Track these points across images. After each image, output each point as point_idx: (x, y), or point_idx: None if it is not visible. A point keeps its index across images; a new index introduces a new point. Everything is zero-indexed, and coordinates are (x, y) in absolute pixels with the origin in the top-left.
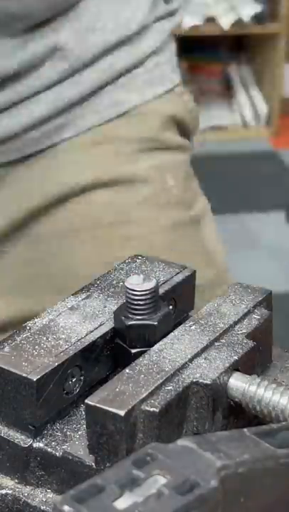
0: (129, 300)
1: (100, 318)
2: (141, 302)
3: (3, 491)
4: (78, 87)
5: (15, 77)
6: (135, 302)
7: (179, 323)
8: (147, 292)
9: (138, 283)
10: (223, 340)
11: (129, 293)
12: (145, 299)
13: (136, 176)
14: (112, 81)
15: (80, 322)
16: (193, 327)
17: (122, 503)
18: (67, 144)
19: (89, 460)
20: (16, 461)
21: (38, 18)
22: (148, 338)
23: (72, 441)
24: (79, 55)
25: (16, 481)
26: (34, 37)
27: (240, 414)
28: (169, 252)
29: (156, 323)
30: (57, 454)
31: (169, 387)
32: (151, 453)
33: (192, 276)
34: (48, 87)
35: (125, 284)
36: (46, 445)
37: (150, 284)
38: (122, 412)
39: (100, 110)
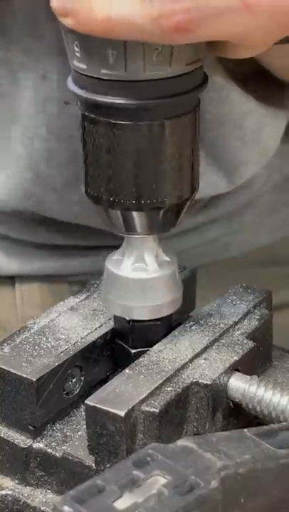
0: None
1: (100, 319)
2: None
3: (3, 492)
4: (256, 210)
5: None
6: None
7: (180, 324)
8: None
9: None
10: (223, 341)
11: None
12: None
13: None
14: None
15: (80, 322)
16: (193, 327)
17: (122, 503)
18: (231, 262)
19: (89, 461)
20: (15, 461)
21: None
22: (150, 337)
23: (72, 441)
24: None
25: (16, 481)
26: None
27: (241, 415)
28: None
29: (158, 322)
30: (57, 454)
31: (169, 388)
32: (151, 453)
33: (192, 277)
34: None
35: None
36: (46, 446)
37: None
38: (122, 413)
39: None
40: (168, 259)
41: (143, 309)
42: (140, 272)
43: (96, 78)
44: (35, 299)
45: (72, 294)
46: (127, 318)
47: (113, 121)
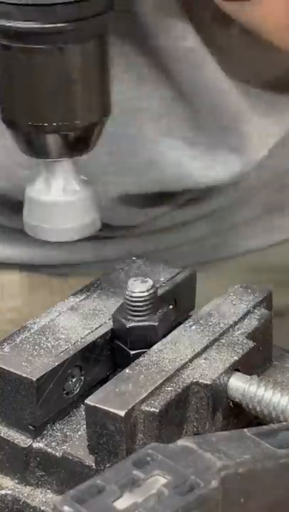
0: (128, 302)
1: (99, 319)
2: (140, 304)
3: (3, 492)
4: (248, 210)
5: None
6: (134, 304)
7: (180, 324)
8: (146, 294)
9: (136, 285)
10: (223, 341)
11: (127, 295)
12: (144, 301)
13: None
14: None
15: (79, 322)
16: (193, 327)
17: (122, 503)
18: (220, 264)
19: (89, 460)
20: (15, 461)
21: None
22: (149, 339)
23: (72, 441)
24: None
25: (16, 481)
26: None
27: (241, 415)
28: None
29: (156, 323)
30: (57, 454)
31: (169, 388)
32: (151, 453)
33: (193, 277)
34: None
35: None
36: (46, 445)
37: (147, 286)
38: (122, 413)
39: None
40: (81, 185)
41: (51, 231)
42: (47, 194)
43: (8, 3)
44: (14, 290)
45: (58, 289)
46: (37, 238)
47: (24, 46)
